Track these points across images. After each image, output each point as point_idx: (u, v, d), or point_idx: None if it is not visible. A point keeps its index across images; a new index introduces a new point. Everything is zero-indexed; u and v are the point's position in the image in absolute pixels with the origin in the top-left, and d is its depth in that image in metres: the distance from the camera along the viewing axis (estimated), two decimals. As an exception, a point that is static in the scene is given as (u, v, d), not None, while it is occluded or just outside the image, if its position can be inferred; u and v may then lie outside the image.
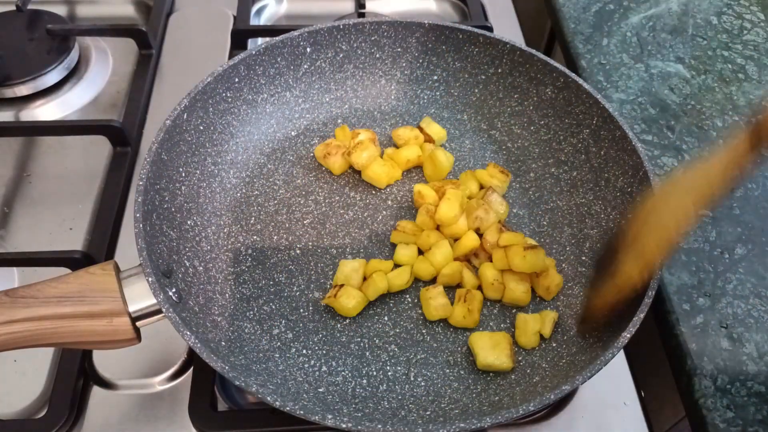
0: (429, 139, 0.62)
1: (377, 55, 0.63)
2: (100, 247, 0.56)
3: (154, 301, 0.41)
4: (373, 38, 0.62)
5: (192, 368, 0.50)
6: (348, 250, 0.55)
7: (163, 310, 0.41)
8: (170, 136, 0.51)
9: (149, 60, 0.72)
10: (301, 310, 0.51)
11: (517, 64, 0.61)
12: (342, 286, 0.51)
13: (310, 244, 0.55)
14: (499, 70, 0.62)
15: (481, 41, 0.61)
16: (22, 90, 0.68)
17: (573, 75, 0.57)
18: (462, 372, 0.49)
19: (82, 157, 0.65)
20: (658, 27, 0.77)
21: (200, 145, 0.55)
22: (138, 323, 0.42)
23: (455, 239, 0.55)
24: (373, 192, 0.59)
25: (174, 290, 0.45)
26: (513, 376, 0.48)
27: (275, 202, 0.58)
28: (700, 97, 0.70)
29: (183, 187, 0.53)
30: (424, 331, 0.51)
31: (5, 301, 0.39)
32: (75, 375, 0.49)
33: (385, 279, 0.51)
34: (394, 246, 0.55)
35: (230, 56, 0.74)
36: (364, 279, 0.52)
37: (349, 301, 0.50)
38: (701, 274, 0.56)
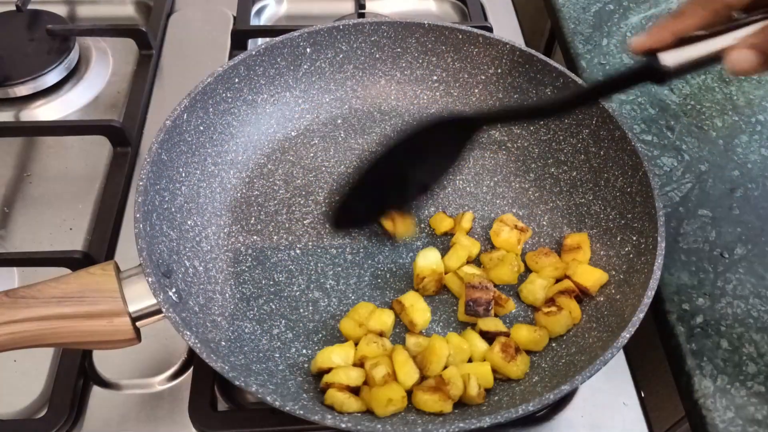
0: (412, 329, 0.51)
1: (377, 56, 0.64)
2: (100, 247, 0.56)
3: (154, 301, 0.41)
4: (372, 38, 0.62)
5: (192, 368, 0.50)
6: (348, 249, 0.55)
7: (163, 310, 0.41)
8: (170, 136, 0.51)
9: (149, 60, 0.72)
10: (301, 310, 0.51)
11: (516, 65, 0.61)
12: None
13: (310, 244, 0.55)
14: (499, 71, 0.62)
15: (481, 42, 0.61)
16: (22, 90, 0.68)
17: (573, 75, 0.57)
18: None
19: (83, 157, 0.65)
20: (658, 27, 0.77)
21: (200, 145, 0.55)
22: (138, 323, 0.42)
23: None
24: (373, 192, 0.59)
25: (174, 290, 0.45)
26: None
27: (275, 202, 0.58)
28: (699, 97, 0.70)
29: (183, 188, 0.53)
30: (423, 332, 0.51)
31: (5, 302, 0.39)
32: (75, 375, 0.49)
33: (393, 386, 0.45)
34: (393, 245, 0.55)
35: (230, 56, 0.74)
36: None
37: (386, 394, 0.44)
38: (701, 274, 0.56)
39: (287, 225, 0.57)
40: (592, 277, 0.51)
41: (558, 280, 0.53)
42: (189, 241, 0.52)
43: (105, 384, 0.50)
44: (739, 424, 0.48)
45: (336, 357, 0.46)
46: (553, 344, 0.50)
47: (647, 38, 0.40)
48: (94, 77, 0.72)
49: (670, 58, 0.40)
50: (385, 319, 0.49)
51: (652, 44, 0.40)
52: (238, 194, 0.58)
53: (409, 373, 0.45)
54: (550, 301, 0.51)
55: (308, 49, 0.60)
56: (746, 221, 0.60)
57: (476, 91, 0.64)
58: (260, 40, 0.76)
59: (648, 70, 0.41)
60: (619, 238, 0.53)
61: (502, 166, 0.62)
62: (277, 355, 0.49)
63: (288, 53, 0.60)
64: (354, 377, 0.45)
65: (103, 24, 0.77)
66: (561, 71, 0.58)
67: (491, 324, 0.50)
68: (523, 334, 0.49)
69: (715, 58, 0.39)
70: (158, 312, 0.42)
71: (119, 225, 0.59)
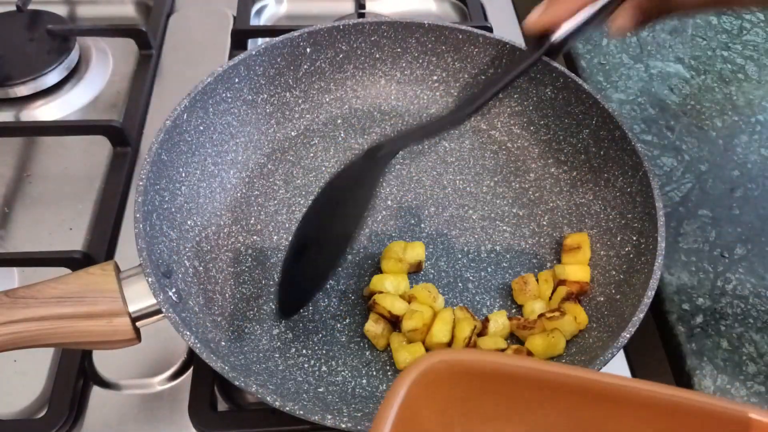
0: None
1: (377, 56, 0.63)
2: (100, 247, 0.56)
3: (154, 301, 0.41)
4: (372, 38, 0.62)
5: (192, 368, 0.50)
6: (347, 250, 0.55)
7: (163, 310, 0.41)
8: (170, 136, 0.51)
9: (149, 60, 0.72)
10: (301, 310, 0.51)
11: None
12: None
13: (310, 244, 0.55)
14: (499, 71, 0.62)
15: (481, 41, 0.61)
16: (23, 90, 0.68)
17: (572, 75, 0.57)
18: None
19: (83, 157, 0.65)
20: (658, 27, 0.77)
21: (200, 145, 0.55)
22: (138, 323, 0.42)
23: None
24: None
25: (174, 290, 0.45)
26: (513, 376, 0.48)
27: (275, 202, 0.58)
28: (699, 97, 0.70)
29: (183, 188, 0.53)
30: (423, 331, 0.51)
31: (5, 302, 0.39)
32: (75, 375, 0.49)
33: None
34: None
35: (230, 56, 0.74)
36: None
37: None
38: (701, 274, 0.56)
39: (287, 225, 0.57)
40: (582, 271, 0.52)
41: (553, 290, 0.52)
42: (189, 241, 0.52)
43: (105, 384, 0.50)
44: (739, 424, 0.48)
45: (388, 284, 0.50)
46: (553, 344, 0.50)
47: (543, 18, 0.44)
48: (94, 77, 0.72)
49: (560, 32, 0.44)
50: (418, 250, 0.53)
51: (547, 24, 0.43)
52: (238, 194, 0.58)
53: (441, 332, 0.47)
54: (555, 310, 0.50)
55: (308, 49, 0.60)
56: (746, 221, 0.60)
57: (476, 90, 0.64)
58: (260, 40, 0.76)
59: (539, 54, 0.44)
60: (619, 238, 0.53)
61: (502, 166, 0.62)
62: (277, 355, 0.49)
63: (288, 53, 0.60)
64: (398, 307, 0.49)
65: (103, 24, 0.76)
66: (561, 71, 0.58)
67: (490, 343, 0.49)
68: (538, 343, 0.48)
69: (598, 17, 0.42)
70: (158, 312, 0.41)
71: (119, 225, 0.59)
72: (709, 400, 0.30)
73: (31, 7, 0.74)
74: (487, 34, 0.61)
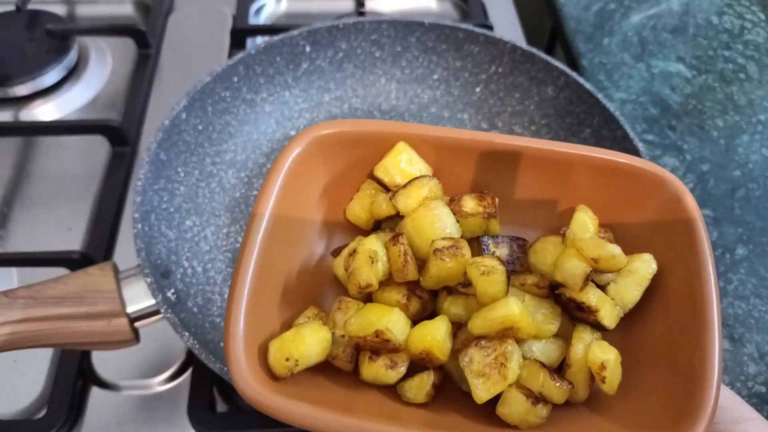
0: None
1: (377, 55, 0.63)
2: (98, 247, 0.56)
3: (152, 301, 0.41)
4: (372, 37, 0.62)
5: (191, 369, 0.50)
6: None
7: (162, 310, 0.41)
8: (169, 136, 0.50)
9: (148, 60, 0.72)
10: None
11: (517, 64, 0.60)
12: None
13: (310, 244, 0.55)
14: (500, 70, 0.62)
15: (482, 40, 0.61)
16: (22, 90, 0.68)
17: (574, 74, 0.57)
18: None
19: (81, 157, 0.64)
20: (659, 26, 0.77)
21: (199, 145, 0.54)
22: (136, 324, 0.41)
23: None
24: (373, 192, 0.59)
25: (172, 291, 0.45)
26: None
27: (275, 202, 0.58)
28: (701, 97, 0.70)
29: (182, 188, 0.52)
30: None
31: (5, 302, 0.39)
32: (74, 376, 0.49)
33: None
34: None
35: (229, 56, 0.73)
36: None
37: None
38: (702, 274, 0.56)
39: (287, 225, 0.56)
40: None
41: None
42: (187, 241, 0.51)
43: (104, 385, 0.50)
44: (740, 425, 0.48)
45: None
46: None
47: None
48: (93, 77, 0.72)
49: None
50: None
51: None
52: (237, 194, 0.58)
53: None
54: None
55: (307, 48, 0.60)
56: (747, 221, 0.59)
57: (477, 90, 0.64)
58: (259, 39, 0.76)
59: None
60: (620, 238, 0.53)
61: (503, 166, 0.61)
62: (277, 356, 0.48)
63: (287, 52, 0.59)
64: None
65: (102, 23, 0.76)
66: (562, 70, 0.58)
67: None
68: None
69: None
70: (157, 313, 0.41)
71: (118, 225, 0.58)
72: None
73: (30, 6, 0.74)
74: (488, 32, 0.61)
